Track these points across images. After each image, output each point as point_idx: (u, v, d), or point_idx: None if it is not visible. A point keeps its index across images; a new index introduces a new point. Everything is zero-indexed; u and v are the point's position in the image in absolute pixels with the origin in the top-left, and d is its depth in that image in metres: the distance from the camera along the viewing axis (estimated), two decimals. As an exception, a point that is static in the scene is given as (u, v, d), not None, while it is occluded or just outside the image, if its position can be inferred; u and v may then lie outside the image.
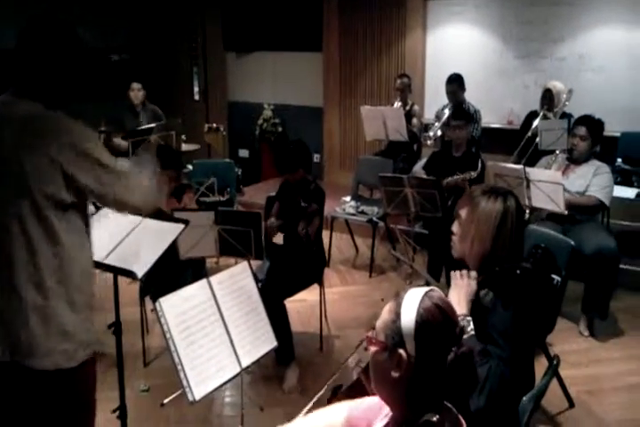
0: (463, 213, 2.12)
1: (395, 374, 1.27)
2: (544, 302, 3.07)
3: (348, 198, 5.47)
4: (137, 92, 6.05)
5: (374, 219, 5.07)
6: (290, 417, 1.58)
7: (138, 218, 2.42)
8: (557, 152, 4.44)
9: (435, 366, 1.25)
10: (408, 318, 1.27)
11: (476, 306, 2.04)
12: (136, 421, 3.01)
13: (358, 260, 5.43)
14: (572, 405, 3.26)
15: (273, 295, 3.45)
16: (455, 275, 2.05)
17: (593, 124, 4.21)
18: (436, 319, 1.27)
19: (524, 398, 2.03)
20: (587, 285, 4.01)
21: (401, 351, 1.26)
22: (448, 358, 1.25)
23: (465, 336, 1.91)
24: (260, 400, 3.22)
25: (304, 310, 4.30)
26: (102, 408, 2.71)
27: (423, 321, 1.26)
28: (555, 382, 3.21)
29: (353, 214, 5.22)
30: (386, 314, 1.32)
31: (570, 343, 3.90)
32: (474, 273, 2.03)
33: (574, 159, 4.24)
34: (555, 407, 3.23)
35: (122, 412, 2.52)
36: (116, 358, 2.56)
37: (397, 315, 1.28)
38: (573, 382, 3.37)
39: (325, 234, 4.42)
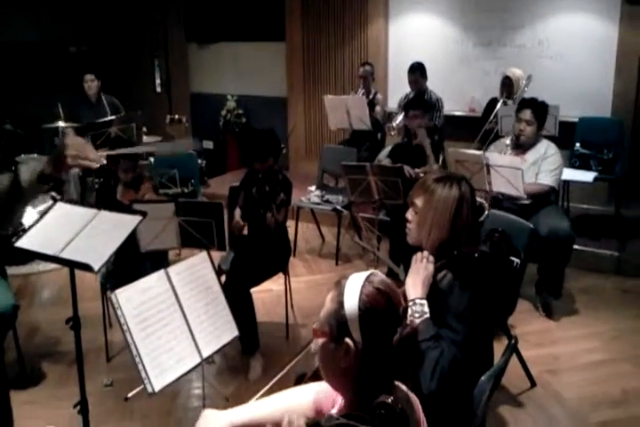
0: (419, 201, 2.13)
1: (344, 363, 1.27)
2: (503, 284, 3.13)
3: (313, 188, 5.48)
4: (90, 84, 5.97)
5: (339, 207, 5.09)
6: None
7: (94, 210, 2.39)
8: (505, 140, 4.40)
9: (382, 350, 1.25)
10: (351, 306, 1.26)
11: (433, 289, 2.06)
12: (100, 415, 3.00)
13: (324, 248, 5.45)
14: (533, 384, 3.33)
15: (238, 285, 3.44)
16: (415, 258, 2.06)
17: (538, 107, 4.13)
18: (379, 304, 1.27)
19: (483, 378, 2.05)
20: (540, 266, 4.08)
21: (347, 340, 1.26)
22: (393, 339, 1.25)
23: (419, 319, 1.95)
24: (226, 391, 3.22)
25: (270, 300, 4.30)
26: (65, 404, 2.72)
27: (366, 308, 1.25)
28: (516, 362, 3.27)
29: (318, 203, 5.24)
30: (329, 303, 1.31)
31: (531, 324, 3.98)
32: (431, 257, 2.05)
33: (521, 145, 4.20)
34: (517, 388, 3.29)
35: (83, 407, 2.48)
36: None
37: (340, 304, 1.28)
38: (534, 362, 3.43)
39: (291, 224, 4.43)
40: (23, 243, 2.26)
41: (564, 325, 4.02)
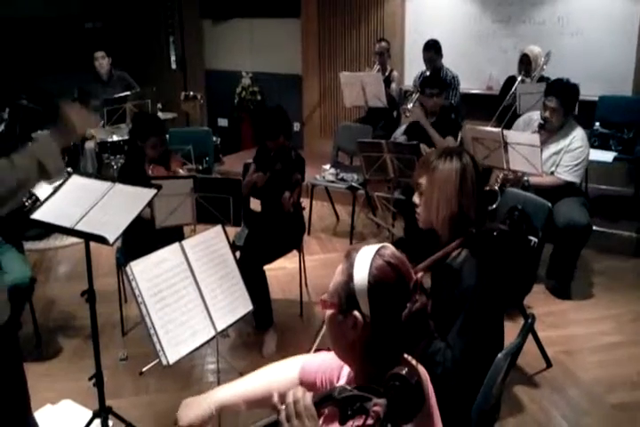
0: (423, 181, 2.09)
1: (351, 336, 1.26)
2: (521, 262, 3.10)
3: (327, 166, 5.44)
4: (101, 61, 5.94)
5: (355, 184, 5.06)
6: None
7: (109, 183, 2.38)
8: (535, 116, 4.34)
9: (390, 324, 1.23)
10: (360, 278, 1.24)
11: (445, 268, 2.03)
12: (115, 389, 3.03)
13: (339, 227, 5.42)
14: (549, 365, 3.31)
15: (252, 262, 3.44)
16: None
17: (565, 93, 3.97)
18: (389, 278, 1.25)
19: (499, 355, 2.03)
20: (553, 251, 4.04)
21: (355, 313, 1.24)
22: (403, 314, 1.23)
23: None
24: (240, 366, 3.23)
25: (284, 278, 4.30)
26: (81, 377, 2.75)
27: (376, 281, 1.24)
28: (532, 342, 3.25)
29: (332, 182, 5.20)
30: (338, 276, 1.30)
31: (547, 305, 3.95)
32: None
33: (548, 130, 4.07)
34: (532, 368, 3.28)
35: (98, 379, 2.50)
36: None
37: (349, 276, 1.26)
38: (551, 343, 3.41)
39: (305, 202, 4.40)
40: (39, 215, 2.27)
41: (580, 306, 3.98)
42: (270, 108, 4.54)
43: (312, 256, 4.67)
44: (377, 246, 1.29)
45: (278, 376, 1.59)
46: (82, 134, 1.96)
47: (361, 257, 1.27)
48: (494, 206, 3.66)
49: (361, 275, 1.24)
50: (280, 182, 3.68)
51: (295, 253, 3.96)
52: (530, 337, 3.18)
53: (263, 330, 3.54)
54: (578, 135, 4.03)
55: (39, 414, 2.11)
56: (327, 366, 1.53)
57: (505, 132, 3.99)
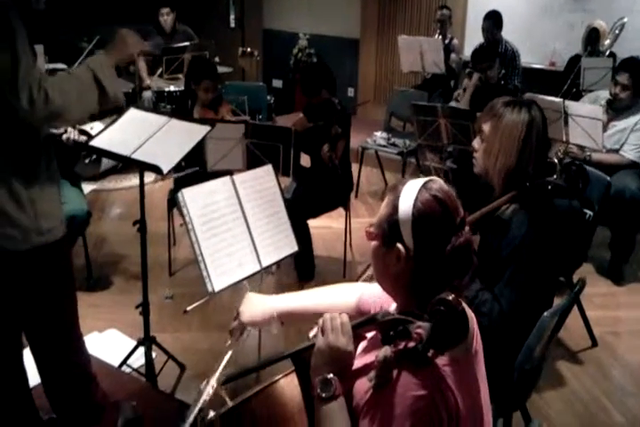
0: (486, 127, 2.04)
1: (395, 268, 1.25)
2: (574, 225, 3.03)
3: (379, 133, 5.38)
4: (166, 17, 5.97)
5: (405, 151, 5.01)
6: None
7: (165, 118, 2.41)
8: (601, 94, 4.21)
9: (433, 257, 1.22)
10: (405, 211, 1.23)
11: (494, 220, 2.01)
12: (159, 324, 3.10)
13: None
14: (595, 344, 3.25)
15: (297, 214, 3.46)
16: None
17: (638, 71, 3.85)
18: (434, 212, 1.23)
19: (545, 314, 2.00)
20: (611, 229, 3.96)
21: (399, 245, 1.23)
22: (447, 248, 1.22)
23: None
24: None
25: (329, 237, 4.32)
26: (127, 310, 2.83)
27: (420, 214, 1.22)
28: (579, 320, 3.21)
29: (384, 146, 5.15)
30: (384, 208, 1.28)
31: (596, 286, 3.84)
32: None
33: (615, 108, 3.98)
34: (577, 345, 3.23)
35: (144, 308, 2.57)
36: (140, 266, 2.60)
37: (395, 208, 1.24)
38: (598, 323, 3.34)
39: (355, 167, 4.38)
40: (97, 142, 2.31)
41: (631, 289, 3.88)
42: (312, 63, 4.50)
43: (358, 219, 4.65)
44: (424, 179, 1.28)
45: (338, 299, 1.61)
46: (132, 55, 2.00)
47: (407, 190, 1.26)
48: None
49: (405, 207, 1.23)
50: (325, 137, 3.66)
51: (341, 213, 3.95)
52: (577, 314, 3.16)
53: (305, 281, 3.58)
54: None
55: (86, 340, 2.20)
56: (385, 298, 1.54)
57: (566, 102, 3.89)
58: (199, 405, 1.47)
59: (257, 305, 1.61)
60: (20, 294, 1.93)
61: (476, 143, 2.09)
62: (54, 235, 1.90)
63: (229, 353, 1.64)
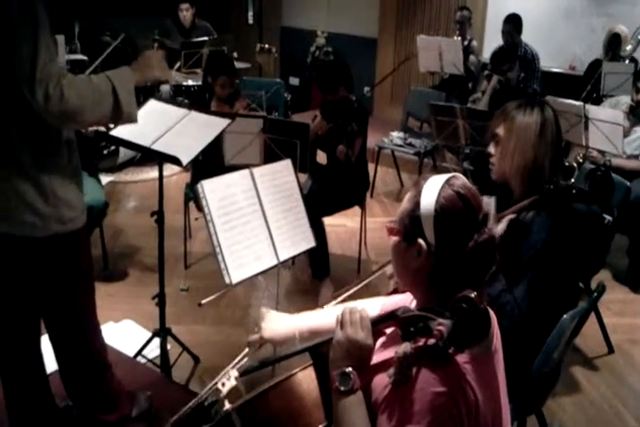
0: (500, 131, 2.03)
1: (416, 264, 1.24)
2: (595, 234, 3.01)
3: (395, 133, 5.36)
4: (185, 13, 5.99)
5: (422, 151, 4.99)
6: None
7: (185, 110, 2.42)
8: (623, 99, 4.18)
9: (455, 253, 1.21)
10: (427, 206, 1.22)
11: (515, 222, 2.00)
12: (174, 316, 3.09)
13: (403, 194, 5.30)
14: (611, 351, 3.22)
15: (312, 211, 3.46)
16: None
17: None
18: (457, 208, 1.21)
19: (565, 316, 2.00)
20: (630, 234, 3.91)
21: (420, 241, 1.22)
22: (469, 245, 1.21)
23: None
24: (295, 311, 3.27)
25: (344, 235, 4.32)
26: (143, 301, 2.85)
27: (442, 210, 1.21)
28: (596, 327, 3.19)
29: (400, 146, 5.13)
30: (405, 203, 1.27)
31: (613, 293, 3.77)
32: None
33: (637, 115, 3.95)
34: (593, 352, 3.21)
35: (160, 299, 2.59)
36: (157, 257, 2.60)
37: (417, 204, 1.23)
38: (614, 330, 3.31)
39: (371, 166, 4.37)
40: (117, 132, 2.32)
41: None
42: (329, 60, 4.47)
43: (373, 218, 4.64)
44: (447, 176, 1.27)
45: None
46: (155, 78, 1.99)
47: (429, 186, 1.25)
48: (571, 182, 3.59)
49: (428, 203, 1.22)
50: (342, 135, 3.65)
51: (357, 212, 3.95)
52: (593, 321, 3.12)
53: (319, 279, 3.58)
54: None
55: (102, 330, 2.22)
56: (404, 305, 1.53)
57: (587, 106, 3.86)
58: (212, 387, 1.47)
59: (279, 323, 1.61)
60: (39, 281, 1.95)
61: (492, 148, 2.07)
62: (75, 224, 1.92)
63: (245, 350, 1.64)
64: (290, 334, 1.59)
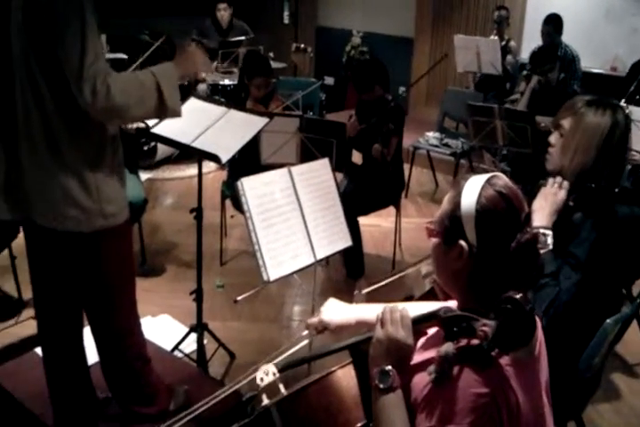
0: (566, 123, 1.98)
1: (456, 265, 1.23)
2: (636, 237, 2.94)
3: (431, 133, 5.33)
4: (223, 13, 6.05)
5: (459, 152, 4.96)
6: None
7: (224, 108, 2.44)
8: None
9: (497, 254, 1.19)
10: (468, 207, 1.19)
11: (563, 220, 1.97)
12: (209, 312, 3.11)
13: (438, 194, 5.31)
14: (654, 357, 3.16)
15: (347, 210, 3.46)
16: (547, 182, 1.94)
17: None
18: (498, 208, 1.19)
19: (608, 321, 1.96)
20: None
21: (461, 242, 1.20)
22: (511, 245, 1.18)
23: (542, 251, 1.86)
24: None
25: (378, 235, 4.30)
26: (180, 296, 2.88)
27: (484, 210, 1.18)
28: (638, 335, 3.06)
29: (436, 146, 5.10)
30: (446, 204, 1.25)
31: None
32: (566, 183, 1.93)
33: None
34: (635, 358, 3.13)
35: (198, 295, 2.61)
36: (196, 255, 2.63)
37: (457, 205, 1.21)
38: (658, 337, 3.24)
39: (405, 167, 4.36)
40: (158, 130, 2.35)
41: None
42: (365, 59, 4.44)
43: (408, 218, 4.60)
44: (488, 175, 1.24)
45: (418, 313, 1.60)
46: (197, 73, 2.02)
47: (470, 186, 1.22)
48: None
49: (468, 203, 1.20)
50: (377, 135, 3.63)
51: (391, 213, 3.94)
52: (635, 329, 3.00)
53: (354, 279, 3.58)
54: None
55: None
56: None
57: (630, 107, 3.78)
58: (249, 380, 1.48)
59: (339, 309, 1.61)
60: (82, 274, 1.99)
61: (554, 138, 2.02)
62: (117, 219, 1.95)
63: (305, 341, 1.65)
64: (346, 321, 1.59)
